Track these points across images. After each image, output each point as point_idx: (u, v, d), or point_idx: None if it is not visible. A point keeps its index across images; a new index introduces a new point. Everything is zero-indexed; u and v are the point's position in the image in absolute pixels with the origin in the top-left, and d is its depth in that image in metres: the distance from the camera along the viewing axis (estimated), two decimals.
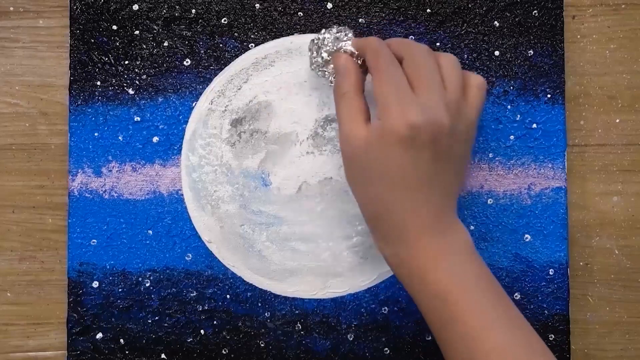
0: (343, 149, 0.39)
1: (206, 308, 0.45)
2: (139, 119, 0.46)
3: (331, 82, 0.42)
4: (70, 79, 0.46)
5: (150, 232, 0.45)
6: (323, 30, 0.42)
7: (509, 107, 0.46)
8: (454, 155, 0.39)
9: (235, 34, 0.46)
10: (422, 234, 0.38)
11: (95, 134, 0.46)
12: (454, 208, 0.40)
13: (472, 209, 0.45)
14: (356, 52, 0.41)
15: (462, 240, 0.39)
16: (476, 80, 0.40)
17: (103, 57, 0.46)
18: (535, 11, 0.46)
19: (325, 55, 0.42)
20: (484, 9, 0.46)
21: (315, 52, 0.42)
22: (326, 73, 0.42)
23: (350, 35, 0.42)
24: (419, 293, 0.38)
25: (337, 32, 0.42)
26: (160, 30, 0.46)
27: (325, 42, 0.42)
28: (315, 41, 0.42)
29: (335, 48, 0.41)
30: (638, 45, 0.47)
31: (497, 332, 0.36)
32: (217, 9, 0.46)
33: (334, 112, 0.46)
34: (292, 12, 0.46)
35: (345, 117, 0.39)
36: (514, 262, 0.45)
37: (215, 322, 0.45)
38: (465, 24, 0.46)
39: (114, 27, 0.46)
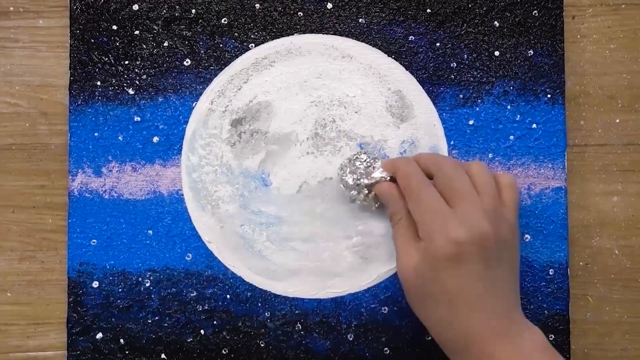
0: (399, 274, 0.40)
1: (206, 308, 0.45)
2: (139, 119, 0.46)
3: (376, 206, 0.44)
4: (70, 79, 0.46)
5: (150, 232, 0.45)
6: (348, 162, 0.43)
7: (509, 107, 0.46)
8: (504, 261, 0.38)
9: (235, 34, 0.46)
10: (492, 345, 0.37)
11: (95, 134, 0.46)
12: (519, 311, 0.39)
13: None
14: (390, 175, 0.42)
15: (534, 343, 0.37)
16: (507, 180, 0.40)
17: (103, 57, 0.46)
18: (535, 11, 0.46)
19: (366, 191, 0.43)
20: (484, 9, 0.46)
21: (355, 191, 0.43)
22: (368, 201, 0.43)
23: (377, 158, 0.43)
24: None
25: (366, 162, 0.43)
26: (160, 30, 0.46)
27: (359, 177, 0.43)
28: (346, 179, 0.43)
29: (369, 179, 0.42)
30: (638, 45, 0.47)
31: None
32: (217, 9, 0.46)
33: (334, 112, 0.46)
34: (292, 12, 0.46)
35: (401, 243, 0.40)
36: None
37: (215, 322, 0.45)
38: (465, 24, 0.46)
39: (114, 27, 0.46)
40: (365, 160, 0.43)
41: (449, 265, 0.37)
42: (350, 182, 0.43)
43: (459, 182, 0.39)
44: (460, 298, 0.37)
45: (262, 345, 0.45)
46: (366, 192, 0.43)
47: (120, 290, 0.45)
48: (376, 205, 0.43)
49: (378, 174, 0.42)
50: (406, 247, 0.39)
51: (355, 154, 0.43)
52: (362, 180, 0.43)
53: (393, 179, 0.42)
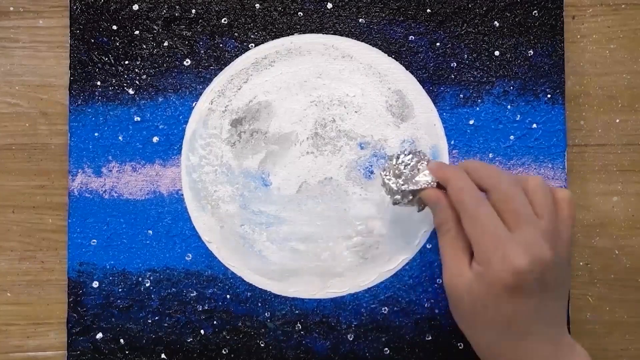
0: (447, 290, 0.38)
1: (206, 308, 0.45)
2: (139, 119, 0.46)
3: (420, 209, 0.41)
4: (70, 79, 0.46)
5: (150, 232, 0.45)
6: (392, 165, 0.41)
7: (509, 107, 0.46)
8: (560, 284, 0.37)
9: (235, 34, 0.46)
10: None
11: (95, 134, 0.46)
12: (567, 333, 0.38)
13: None
14: (436, 181, 0.39)
15: None
16: (563, 195, 0.38)
17: (103, 57, 0.46)
18: (535, 11, 0.46)
19: (410, 196, 0.40)
20: (484, 9, 0.46)
21: (399, 196, 0.40)
22: (412, 204, 0.41)
23: (422, 160, 0.41)
24: None
25: (410, 167, 0.40)
26: (160, 30, 0.46)
27: (403, 182, 0.40)
28: (390, 184, 0.40)
29: (414, 184, 0.40)
30: (638, 45, 0.47)
31: None
32: (217, 9, 0.46)
33: (334, 112, 0.46)
34: (292, 12, 0.46)
35: (449, 256, 0.38)
36: None
37: (215, 322, 0.45)
38: (465, 24, 0.46)
39: (114, 27, 0.46)
40: (409, 164, 0.40)
41: (506, 294, 0.35)
42: (395, 187, 0.40)
43: (518, 203, 0.36)
44: (514, 324, 0.36)
45: (262, 345, 0.45)
46: (410, 197, 0.40)
47: (120, 290, 0.45)
48: (420, 207, 0.41)
49: (423, 177, 0.40)
50: (457, 263, 0.37)
51: (399, 154, 0.41)
52: (406, 185, 0.40)
53: (439, 184, 0.40)
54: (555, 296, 0.37)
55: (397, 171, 0.41)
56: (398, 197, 0.41)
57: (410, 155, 0.41)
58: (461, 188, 0.37)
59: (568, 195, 0.38)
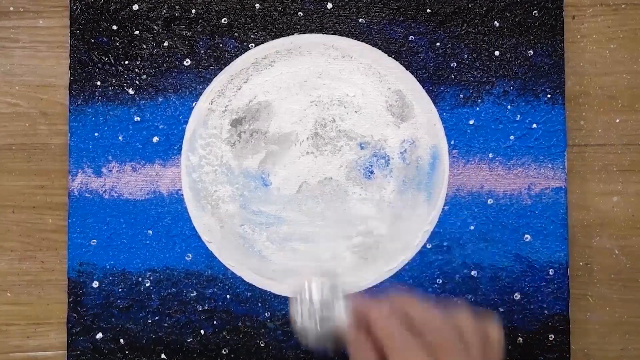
0: None
1: (206, 308, 0.45)
2: (139, 119, 0.46)
3: (334, 348, 0.35)
4: (70, 79, 0.46)
5: (150, 232, 0.45)
6: (308, 302, 0.35)
7: (509, 107, 0.46)
8: None
9: (235, 34, 0.46)
10: None
11: (95, 134, 0.46)
12: None
13: (472, 209, 0.45)
14: (350, 318, 0.35)
15: None
16: (494, 334, 0.37)
17: (103, 57, 0.46)
18: (535, 11, 0.46)
19: (325, 338, 0.35)
20: (484, 9, 0.46)
21: (315, 338, 0.35)
22: (327, 344, 0.35)
23: (337, 296, 0.36)
24: None
25: (324, 303, 0.35)
26: (160, 30, 0.46)
27: (318, 322, 0.35)
28: (301, 320, 0.35)
29: (328, 317, 0.35)
30: (638, 45, 0.47)
31: None
32: (217, 9, 0.46)
33: (334, 112, 0.46)
34: (292, 12, 0.46)
35: None
36: (514, 262, 0.45)
37: (215, 322, 0.45)
38: (465, 24, 0.46)
39: (114, 27, 0.46)
40: (324, 301, 0.35)
41: None
42: (309, 328, 0.35)
43: (446, 339, 0.35)
44: None
45: (262, 345, 0.45)
46: (325, 338, 0.35)
47: (120, 290, 0.45)
48: (334, 346, 0.35)
49: (339, 313, 0.35)
50: None
51: (311, 289, 0.36)
52: (322, 324, 0.35)
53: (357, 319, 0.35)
54: None
55: (312, 309, 0.35)
56: (312, 339, 0.35)
57: (325, 291, 0.36)
58: (390, 333, 0.35)
59: (498, 335, 0.37)
